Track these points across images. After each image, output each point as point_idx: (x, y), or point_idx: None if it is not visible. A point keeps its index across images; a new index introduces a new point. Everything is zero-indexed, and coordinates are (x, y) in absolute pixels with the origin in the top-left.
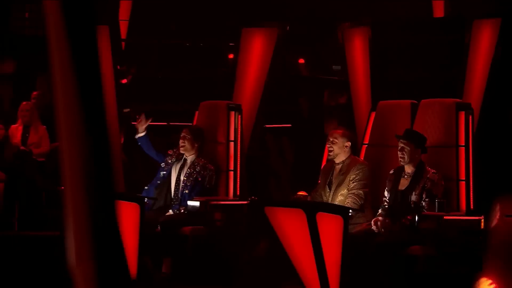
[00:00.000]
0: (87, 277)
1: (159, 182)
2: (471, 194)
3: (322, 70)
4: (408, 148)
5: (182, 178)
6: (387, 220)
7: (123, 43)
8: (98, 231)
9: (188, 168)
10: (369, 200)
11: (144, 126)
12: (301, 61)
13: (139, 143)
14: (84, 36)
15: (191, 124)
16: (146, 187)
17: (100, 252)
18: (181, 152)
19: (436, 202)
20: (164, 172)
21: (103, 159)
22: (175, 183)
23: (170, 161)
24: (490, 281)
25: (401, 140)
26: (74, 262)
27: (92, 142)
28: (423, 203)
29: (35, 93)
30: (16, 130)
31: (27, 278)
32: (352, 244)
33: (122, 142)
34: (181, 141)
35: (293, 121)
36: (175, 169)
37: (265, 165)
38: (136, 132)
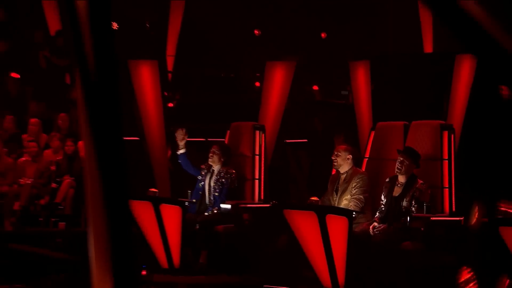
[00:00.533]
0: (104, 270)
1: (200, 192)
2: (453, 198)
3: (332, 95)
4: (407, 162)
5: (212, 184)
6: (382, 226)
7: (169, 74)
8: (113, 231)
9: (215, 176)
10: (368, 203)
11: (184, 142)
12: (315, 87)
13: (179, 160)
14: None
15: (223, 140)
16: (193, 200)
17: (114, 249)
18: (210, 163)
19: (424, 206)
20: (202, 183)
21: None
22: (208, 189)
23: (203, 173)
24: (469, 269)
25: (402, 154)
26: (93, 256)
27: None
28: (413, 208)
29: None
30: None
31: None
32: (355, 240)
33: (169, 154)
34: (210, 154)
35: (308, 137)
36: (207, 179)
37: (285, 174)
38: (177, 148)
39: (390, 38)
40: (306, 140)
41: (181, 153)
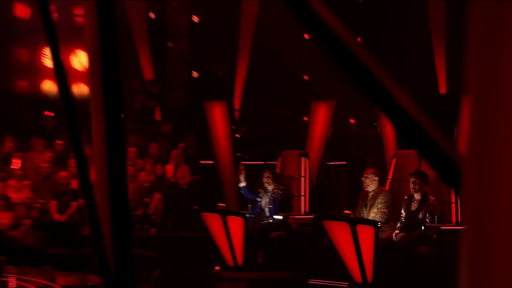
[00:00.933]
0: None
1: (258, 210)
2: (459, 211)
3: (365, 127)
4: (418, 181)
5: (267, 200)
6: (402, 234)
7: (236, 112)
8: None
9: (270, 193)
10: (391, 216)
11: (243, 176)
12: (352, 121)
13: (241, 191)
14: None
15: (275, 163)
16: (252, 215)
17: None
18: (265, 186)
19: (436, 218)
20: (260, 200)
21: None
22: (264, 205)
23: (261, 195)
24: None
25: (413, 176)
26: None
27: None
28: (427, 220)
29: (181, 144)
30: (169, 168)
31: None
32: (381, 245)
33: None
34: (265, 179)
35: (347, 160)
36: (263, 197)
37: (327, 191)
38: (239, 181)
39: (412, 80)
40: (345, 163)
41: (242, 186)
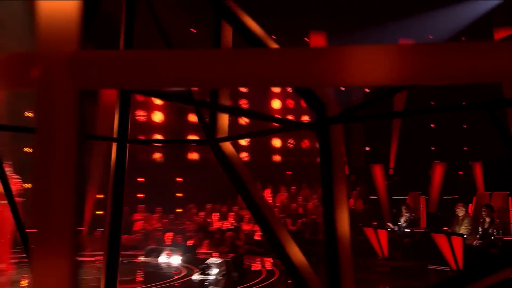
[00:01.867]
0: None
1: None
2: None
3: (466, 176)
4: (487, 210)
5: (405, 220)
6: (480, 241)
7: (391, 170)
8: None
9: (406, 216)
10: (473, 231)
11: (402, 219)
12: (460, 172)
13: (397, 226)
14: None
15: (406, 198)
16: (397, 231)
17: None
18: (403, 212)
19: (500, 232)
20: (401, 224)
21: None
22: (402, 223)
23: (399, 222)
24: None
25: (484, 207)
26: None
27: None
28: (494, 233)
29: (358, 188)
30: (351, 202)
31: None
32: (466, 248)
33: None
34: (404, 209)
35: (459, 195)
36: (402, 219)
37: (440, 216)
38: (399, 222)
39: (493, 146)
40: (457, 197)
41: (400, 225)
